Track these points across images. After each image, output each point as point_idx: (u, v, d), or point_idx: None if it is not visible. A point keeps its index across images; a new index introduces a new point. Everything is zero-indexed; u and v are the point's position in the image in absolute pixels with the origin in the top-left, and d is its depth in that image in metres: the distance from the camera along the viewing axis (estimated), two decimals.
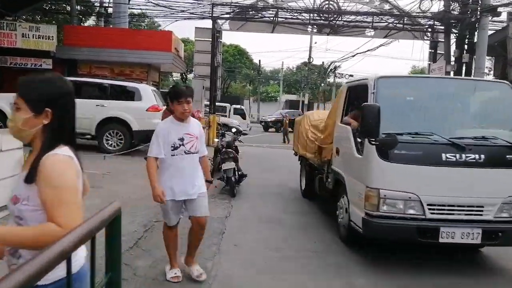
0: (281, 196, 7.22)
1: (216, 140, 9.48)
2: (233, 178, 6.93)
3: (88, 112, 9.84)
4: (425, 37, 17.03)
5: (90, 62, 15.03)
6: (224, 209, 6.04)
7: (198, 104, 16.78)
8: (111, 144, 9.96)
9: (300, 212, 6.19)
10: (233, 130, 8.97)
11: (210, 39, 16.83)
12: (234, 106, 28.77)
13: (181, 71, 18.34)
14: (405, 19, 16.05)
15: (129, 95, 10.34)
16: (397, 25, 16.28)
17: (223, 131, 9.52)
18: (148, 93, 10.27)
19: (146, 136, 9.51)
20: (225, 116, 24.62)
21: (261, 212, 6.03)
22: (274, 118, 31.59)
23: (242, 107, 31.04)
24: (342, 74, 45.86)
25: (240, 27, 17.35)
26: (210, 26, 16.37)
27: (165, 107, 8.41)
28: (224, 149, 7.70)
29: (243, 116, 27.60)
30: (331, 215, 5.52)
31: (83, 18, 20.36)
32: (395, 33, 16.98)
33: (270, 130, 30.88)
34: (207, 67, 17.63)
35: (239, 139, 8.56)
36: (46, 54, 14.61)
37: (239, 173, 7.26)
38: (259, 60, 46.71)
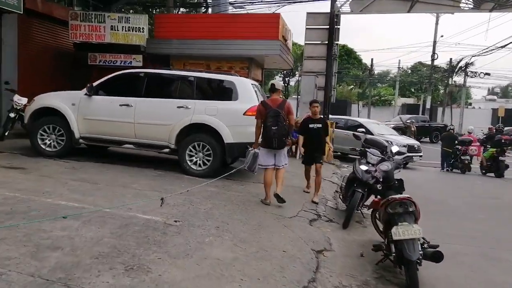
0: None
1: (354, 166, 5.87)
2: (417, 262, 3.26)
3: (167, 116, 7.05)
4: None
5: (183, 57, 12.62)
6: None
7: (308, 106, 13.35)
8: (196, 161, 6.99)
9: None
10: (393, 149, 5.23)
11: (325, 26, 13.32)
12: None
13: (288, 66, 15.05)
14: None
15: (222, 92, 7.30)
16: None
17: (363, 149, 5.86)
18: (247, 89, 7.10)
19: (243, 151, 6.35)
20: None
21: None
22: (393, 125, 26.60)
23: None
24: (475, 72, 38.41)
25: (364, 8, 13.39)
26: (324, 10, 12.90)
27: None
28: (380, 185, 4.11)
29: None
30: None
31: (179, 10, 18.46)
32: None
33: None
34: (321, 61, 14.05)
35: (402, 165, 4.81)
36: (136, 49, 12.58)
37: (425, 245, 3.56)
38: (372, 59, 41.54)
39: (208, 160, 6.96)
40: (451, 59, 39.26)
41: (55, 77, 12.30)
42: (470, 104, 54.59)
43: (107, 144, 7.53)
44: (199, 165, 6.99)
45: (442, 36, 62.24)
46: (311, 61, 14.29)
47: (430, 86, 39.62)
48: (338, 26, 14.02)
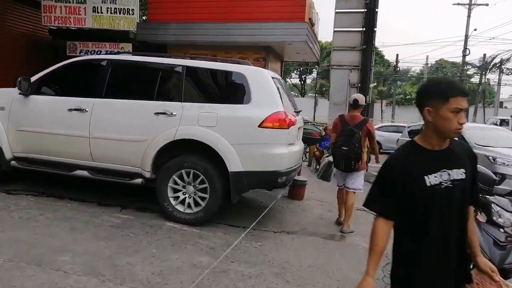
0: None
1: None
2: None
3: (140, 127, 4.49)
4: None
5: (183, 46, 10.06)
6: None
7: (341, 109, 10.65)
8: (184, 200, 4.40)
9: None
10: None
11: (361, 10, 10.62)
12: None
13: (314, 58, 12.33)
14: None
15: (225, 90, 4.72)
16: None
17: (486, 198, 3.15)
18: (265, 85, 4.46)
19: (258, 182, 3.82)
20: None
21: None
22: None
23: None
24: (511, 69, 34.99)
25: None
26: None
27: None
28: None
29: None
30: None
31: None
32: None
33: None
34: (353, 52, 11.37)
35: None
36: (125, 36, 10.07)
37: None
38: (397, 55, 38.30)
39: (202, 198, 4.36)
40: (484, 54, 35.95)
41: (29, 72, 9.84)
42: (501, 103, 50.77)
43: (50, 169, 4.89)
44: (189, 206, 4.40)
45: (475, 29, 57.81)
46: (341, 53, 11.56)
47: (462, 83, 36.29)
48: (377, 9, 11.28)
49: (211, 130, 4.26)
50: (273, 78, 4.62)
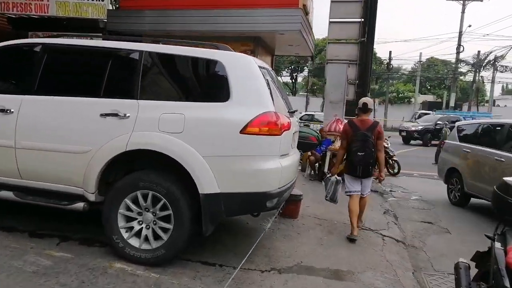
0: None
1: None
2: None
3: (80, 133, 3.33)
4: None
5: (161, 37, 8.86)
6: None
7: (338, 107, 9.57)
8: (139, 231, 3.26)
9: None
10: None
11: None
12: None
13: (308, 52, 11.21)
14: None
15: (196, 83, 3.60)
16: None
17: None
18: (249, 76, 3.33)
19: (241, 208, 2.69)
20: None
21: None
22: (422, 127, 22.69)
23: None
24: (506, 66, 34.36)
25: None
26: None
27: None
28: None
29: None
30: None
31: None
32: None
33: (412, 142, 22.25)
34: (350, 45, 10.36)
35: None
36: (94, 25, 8.87)
37: None
38: (390, 52, 37.39)
39: (164, 230, 3.22)
40: (479, 51, 35.21)
41: None
42: (494, 101, 50.31)
43: None
44: (146, 240, 3.26)
45: (470, 26, 56.81)
46: (337, 46, 10.55)
47: (455, 82, 35.61)
48: None
49: (176, 138, 3.12)
50: (260, 68, 3.49)
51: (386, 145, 10.32)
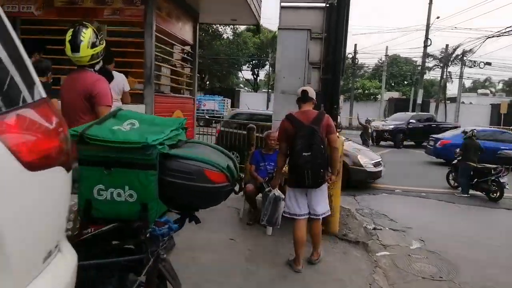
0: None
1: None
2: None
3: None
4: None
5: None
6: None
7: (294, 101, 6.35)
8: None
9: None
10: None
11: None
12: None
13: (253, 19, 7.79)
14: None
15: None
16: None
17: None
18: None
19: None
20: None
21: None
22: (393, 126, 20.05)
23: None
24: (474, 61, 32.73)
25: None
26: None
27: None
28: None
29: None
30: None
31: None
32: None
33: (382, 144, 19.73)
34: (313, 10, 7.15)
35: None
36: None
37: None
38: (355, 45, 34.81)
39: None
40: (447, 45, 33.44)
41: None
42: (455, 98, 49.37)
43: None
44: None
45: (438, 17, 54.79)
46: (294, 12, 7.29)
47: (422, 78, 33.63)
48: None
49: None
50: None
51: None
